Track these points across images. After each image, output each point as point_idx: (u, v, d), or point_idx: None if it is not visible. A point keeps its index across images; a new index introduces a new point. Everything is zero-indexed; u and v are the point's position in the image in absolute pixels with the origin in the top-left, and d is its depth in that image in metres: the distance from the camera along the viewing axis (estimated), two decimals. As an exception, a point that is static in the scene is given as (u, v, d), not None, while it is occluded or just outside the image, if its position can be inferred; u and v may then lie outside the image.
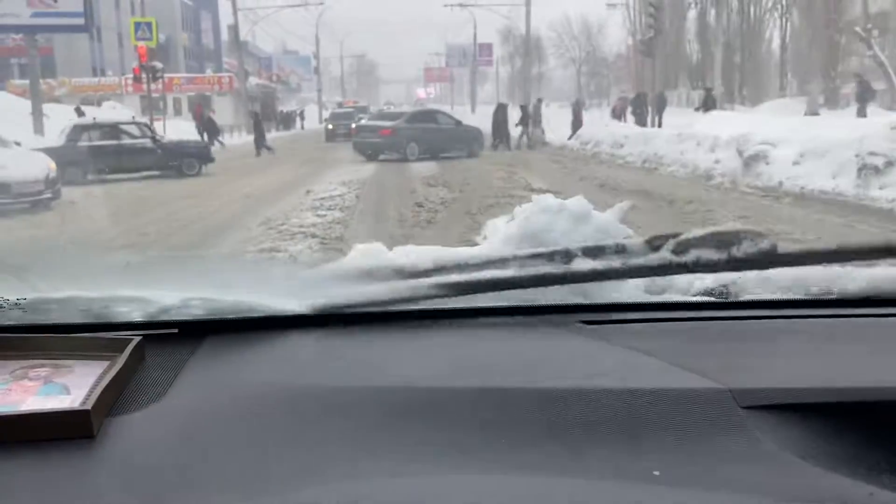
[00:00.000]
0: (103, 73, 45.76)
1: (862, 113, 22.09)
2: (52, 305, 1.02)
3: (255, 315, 1.04)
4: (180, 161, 16.97)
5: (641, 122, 24.56)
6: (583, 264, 1.01)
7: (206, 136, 22.97)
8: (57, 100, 33.37)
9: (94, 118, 18.91)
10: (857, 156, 10.21)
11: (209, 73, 52.17)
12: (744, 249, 0.99)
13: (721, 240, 1.01)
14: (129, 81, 37.28)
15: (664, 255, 1.01)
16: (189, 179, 16.05)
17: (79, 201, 11.95)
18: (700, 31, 48.00)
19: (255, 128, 24.68)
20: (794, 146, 11.78)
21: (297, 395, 0.84)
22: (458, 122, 22.40)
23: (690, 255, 1.01)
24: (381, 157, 20.16)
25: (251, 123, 25.36)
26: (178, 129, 24.81)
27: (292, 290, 1.13)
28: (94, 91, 40.72)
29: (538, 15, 61.93)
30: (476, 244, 1.28)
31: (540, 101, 27.56)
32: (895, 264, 1.07)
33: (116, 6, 49.01)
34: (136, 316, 1.02)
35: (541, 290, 1.08)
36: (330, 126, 34.60)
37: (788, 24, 46.37)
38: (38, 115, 22.05)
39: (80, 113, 23.58)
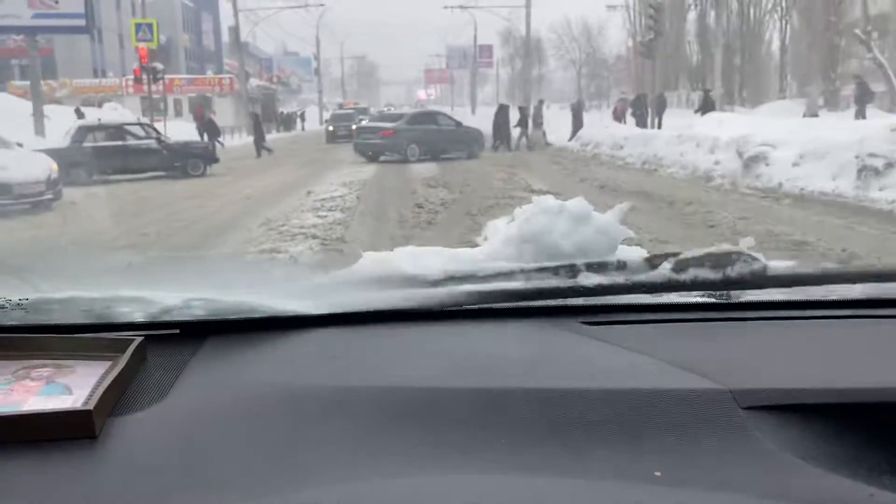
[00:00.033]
0: (104, 75, 45.80)
1: (861, 115, 22.08)
2: (54, 306, 1.03)
3: (257, 316, 1.04)
4: (185, 162, 17.00)
5: (642, 123, 24.54)
6: (586, 279, 1.08)
7: (206, 137, 22.98)
8: (58, 101, 33.39)
9: (100, 119, 18.96)
10: (856, 157, 10.21)
11: (210, 74, 52.18)
12: (737, 270, 1.06)
13: (717, 260, 1.08)
14: (130, 83, 37.32)
15: (663, 272, 1.07)
16: (194, 180, 16.05)
17: (81, 202, 11.95)
18: (700, 33, 48.02)
19: (255, 129, 24.68)
20: (793, 148, 11.78)
21: (298, 396, 0.84)
22: (459, 124, 22.40)
23: (689, 274, 1.08)
24: (382, 158, 20.17)
25: (251, 125, 25.33)
26: (179, 130, 24.80)
27: (294, 292, 1.13)
28: (94, 92, 40.75)
29: (538, 17, 61.89)
30: (476, 245, 1.28)
31: (542, 102, 27.56)
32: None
33: (117, 7, 49.04)
34: (138, 316, 1.02)
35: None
36: (330, 127, 34.63)
37: (788, 26, 46.39)
38: (38, 116, 22.05)
39: (79, 114, 23.60)
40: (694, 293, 1.17)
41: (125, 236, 8.13)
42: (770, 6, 47.31)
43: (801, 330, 1.09)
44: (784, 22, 46.71)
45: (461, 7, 54.00)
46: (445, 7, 54.71)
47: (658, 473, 0.72)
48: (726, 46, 39.19)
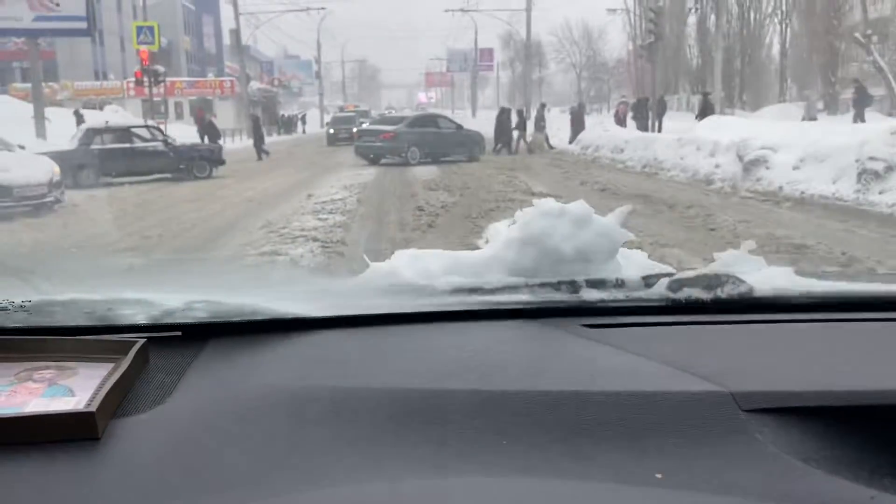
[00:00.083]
0: (105, 77, 45.84)
1: (859, 118, 22.07)
2: (56, 308, 1.03)
3: (259, 318, 1.04)
4: (192, 164, 17.05)
5: (643, 126, 24.51)
6: (587, 295, 1.12)
7: (206, 140, 23.04)
8: (59, 103, 33.44)
9: (107, 122, 19.04)
10: (857, 161, 10.22)
11: (211, 77, 52.22)
12: (727, 291, 1.13)
13: (708, 282, 1.14)
14: (131, 85, 37.35)
15: (660, 290, 1.13)
16: (196, 182, 16.06)
17: (84, 205, 11.96)
18: (700, 37, 48.07)
19: (254, 132, 24.68)
20: (794, 151, 11.79)
21: (300, 398, 0.85)
22: (460, 127, 22.42)
23: (683, 293, 1.13)
24: (383, 161, 20.18)
25: (251, 127, 25.37)
26: (180, 132, 24.86)
27: (296, 294, 1.14)
28: (96, 94, 40.81)
29: (539, 20, 62.10)
30: (478, 247, 1.29)
31: (544, 105, 27.55)
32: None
33: (118, 10, 49.10)
34: (140, 318, 1.02)
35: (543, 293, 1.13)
36: (331, 130, 34.67)
37: (788, 29, 46.47)
38: (39, 118, 22.09)
39: (78, 116, 23.63)
40: None
41: (126, 239, 8.13)
42: (770, 10, 47.40)
43: (803, 332, 1.09)
44: (784, 25, 46.79)
45: (462, 10, 54.06)
46: (446, 10, 54.77)
47: (659, 476, 0.72)
48: (726, 50, 39.23)
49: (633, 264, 1.22)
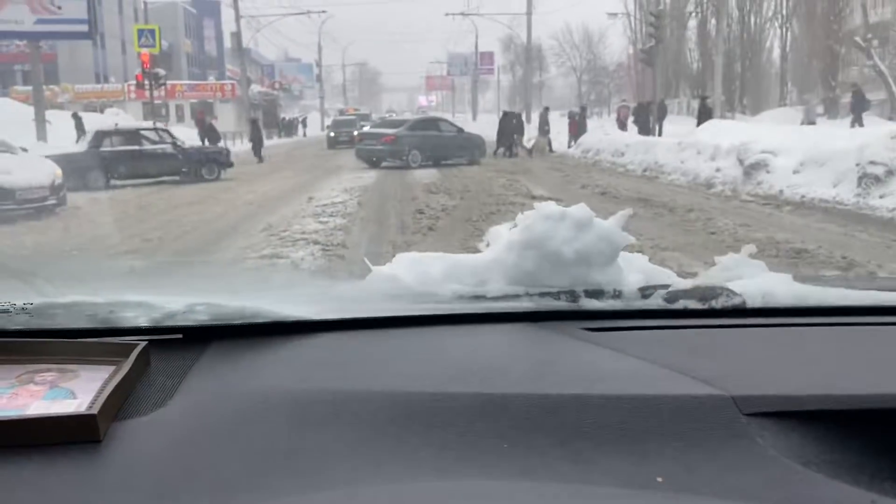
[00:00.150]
0: (106, 80, 45.91)
1: (857, 123, 22.04)
2: (58, 310, 1.03)
3: (260, 321, 1.04)
4: (200, 166, 17.13)
5: (644, 130, 24.49)
6: (586, 304, 1.14)
7: (206, 143, 23.08)
8: (60, 106, 33.50)
9: (116, 124, 19.19)
10: (857, 165, 10.22)
11: (212, 80, 52.32)
12: (721, 303, 1.14)
13: (703, 293, 1.15)
14: (132, 88, 37.47)
15: (657, 301, 1.15)
16: (198, 185, 16.09)
17: (86, 207, 11.97)
18: (701, 41, 48.11)
19: (253, 135, 24.69)
20: (794, 155, 11.80)
21: (301, 401, 0.85)
22: (460, 130, 22.44)
23: (679, 304, 1.14)
24: (384, 164, 20.20)
25: (250, 130, 25.41)
26: (181, 135, 24.91)
27: (297, 297, 1.14)
28: (97, 97, 40.88)
29: (539, 24, 62.01)
30: (478, 251, 1.29)
31: (547, 109, 27.58)
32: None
33: (120, 13, 49.19)
34: (142, 321, 1.02)
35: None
36: (332, 133, 34.70)
37: (789, 33, 46.52)
38: (40, 121, 22.14)
39: (77, 119, 23.69)
40: None
41: (128, 242, 8.13)
42: (771, 14, 47.47)
43: (803, 336, 1.10)
44: (784, 29, 46.84)
45: (462, 14, 54.18)
46: (447, 14, 54.90)
47: (659, 479, 0.72)
48: (727, 54, 39.28)
49: (633, 268, 1.22)
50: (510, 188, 13.45)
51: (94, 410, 0.77)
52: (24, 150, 12.74)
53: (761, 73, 48.99)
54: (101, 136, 16.57)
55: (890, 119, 24.99)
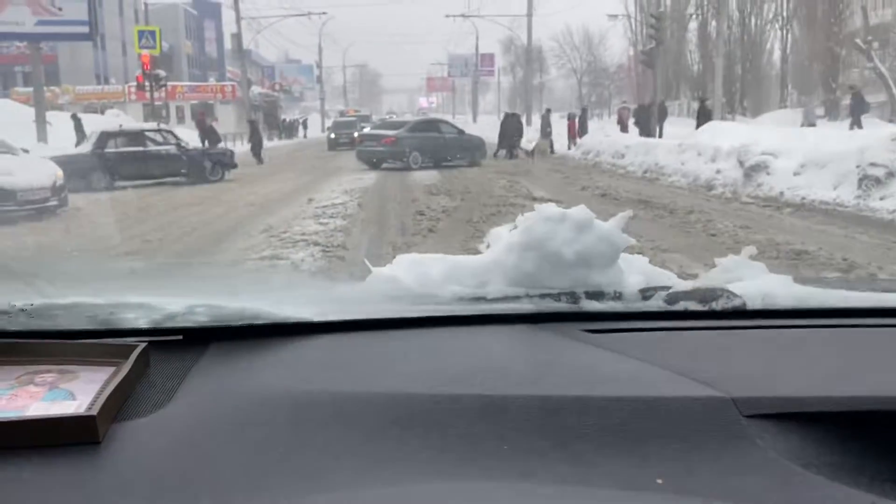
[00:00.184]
0: (107, 81, 45.95)
1: (856, 125, 21.99)
2: (58, 311, 1.03)
3: (260, 322, 1.04)
4: (204, 167, 17.17)
5: (645, 132, 24.44)
6: (587, 305, 1.14)
7: (206, 144, 23.10)
8: (60, 108, 33.53)
9: (121, 125, 19.28)
10: (857, 167, 10.23)
11: (212, 81, 52.35)
12: (721, 304, 1.15)
13: (703, 295, 1.16)
14: (133, 89, 37.49)
15: (657, 302, 1.15)
16: (199, 186, 16.11)
17: (87, 209, 11.97)
18: (701, 42, 48.14)
19: (252, 136, 24.67)
20: (795, 157, 11.80)
21: (300, 402, 0.85)
22: (461, 132, 22.46)
23: (679, 306, 1.15)
24: (384, 165, 20.21)
25: (249, 132, 25.42)
26: (181, 136, 24.94)
27: (297, 298, 1.14)
28: (97, 99, 40.91)
29: (540, 25, 62.11)
30: (479, 252, 1.29)
31: (549, 111, 27.59)
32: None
33: (120, 14, 49.24)
34: (142, 322, 1.02)
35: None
36: (332, 135, 34.72)
37: (789, 35, 46.55)
38: (41, 122, 22.15)
39: (76, 120, 23.73)
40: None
41: (128, 243, 8.13)
42: (771, 16, 47.50)
43: (804, 338, 1.09)
44: (785, 31, 46.87)
45: (463, 16, 54.22)
46: (447, 16, 54.96)
47: (659, 481, 0.72)
48: (727, 56, 39.29)
49: (634, 269, 1.22)
50: (510, 190, 13.45)
51: (94, 412, 0.77)
52: (26, 151, 12.74)
53: (762, 75, 49.00)
54: (105, 137, 16.63)
55: (890, 121, 25.01)
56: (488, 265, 1.20)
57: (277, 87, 63.47)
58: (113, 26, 46.56)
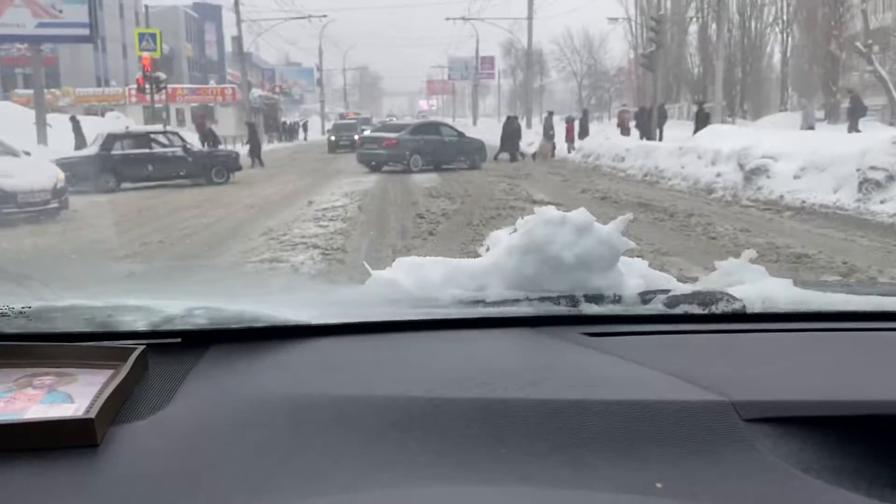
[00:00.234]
0: (107, 84, 46.01)
1: (853, 128, 21.96)
2: (56, 314, 1.03)
3: (259, 325, 1.04)
4: (210, 169, 17.24)
5: (646, 134, 24.42)
6: (586, 308, 1.14)
7: (206, 146, 23.15)
8: (61, 110, 33.55)
9: (127, 127, 19.36)
10: (858, 170, 10.23)
11: (212, 84, 52.39)
12: (721, 308, 1.15)
13: (703, 298, 1.16)
14: (133, 92, 37.50)
15: (657, 306, 1.15)
16: (198, 188, 16.16)
17: (88, 211, 11.98)
18: (701, 46, 48.22)
19: (251, 138, 24.68)
20: (795, 160, 11.81)
21: (299, 405, 0.84)
22: (461, 134, 22.48)
23: (679, 309, 1.15)
24: (385, 168, 20.23)
25: (247, 134, 25.41)
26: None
27: (296, 301, 1.14)
28: (97, 101, 40.94)
29: (540, 29, 62.16)
30: (478, 255, 1.29)
31: (551, 114, 27.58)
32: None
33: (121, 17, 49.32)
34: (140, 325, 1.02)
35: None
36: (332, 137, 34.80)
37: (789, 38, 46.65)
38: (41, 124, 22.15)
39: (75, 122, 23.80)
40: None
41: (129, 245, 8.13)
42: (771, 19, 47.59)
43: (803, 342, 1.09)
44: (785, 35, 46.97)
45: (463, 19, 54.26)
46: (447, 19, 55.04)
47: (659, 485, 0.72)
48: (727, 59, 39.35)
49: (633, 273, 1.22)
50: (511, 193, 13.46)
51: (92, 414, 0.77)
52: (27, 153, 12.73)
53: (762, 78, 49.09)
54: (111, 139, 16.75)
55: (891, 124, 25.03)
56: (488, 268, 1.20)
57: (278, 89, 63.50)
58: (113, 29, 46.64)
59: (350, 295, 1.20)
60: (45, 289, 1.10)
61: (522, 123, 27.94)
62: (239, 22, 43.11)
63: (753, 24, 47.70)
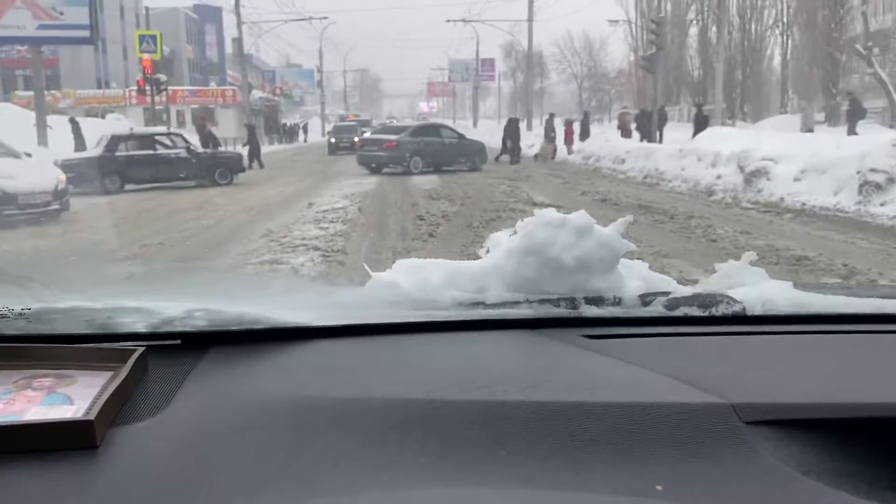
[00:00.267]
0: (108, 85, 46.07)
1: (852, 131, 21.95)
2: (56, 316, 1.03)
3: (259, 327, 1.04)
4: (214, 171, 17.30)
5: (647, 136, 24.42)
6: (586, 311, 1.14)
7: (207, 148, 23.16)
8: (61, 111, 33.57)
9: (132, 129, 19.44)
10: (858, 172, 10.23)
11: (213, 85, 52.44)
12: (721, 310, 1.15)
13: (703, 300, 1.16)
14: (134, 93, 37.55)
15: (657, 308, 1.15)
16: (200, 190, 16.18)
17: (89, 213, 11.98)
18: (701, 48, 48.27)
19: (250, 140, 24.69)
20: (795, 162, 11.81)
21: (299, 407, 0.84)
22: (462, 136, 22.50)
23: (679, 311, 1.15)
24: (385, 170, 20.24)
25: (246, 136, 25.42)
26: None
27: (296, 303, 1.14)
28: (98, 103, 41.00)
29: (540, 31, 62.33)
30: (479, 257, 1.29)
31: (552, 116, 27.60)
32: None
33: (121, 19, 49.38)
34: (140, 327, 1.02)
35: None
36: (333, 139, 34.84)
37: (790, 41, 46.69)
38: (41, 126, 22.14)
39: (74, 124, 23.87)
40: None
41: (129, 247, 8.13)
42: (771, 21, 47.64)
43: (804, 344, 1.09)
44: (785, 37, 47.02)
45: (464, 21, 54.27)
46: (448, 21, 55.01)
47: (659, 488, 0.71)
48: (728, 61, 39.38)
49: (634, 275, 1.22)
50: (511, 195, 13.46)
51: (91, 416, 0.77)
52: (29, 155, 12.73)
53: (762, 80, 49.13)
54: (116, 140, 16.82)
55: (891, 126, 25.03)
56: (488, 270, 1.20)
57: (278, 91, 63.57)
58: (114, 30, 46.69)
59: (350, 297, 1.20)
60: (45, 290, 1.10)
61: (523, 126, 27.93)
62: (239, 24, 43.15)
63: (754, 26, 47.77)
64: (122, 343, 0.99)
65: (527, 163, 23.00)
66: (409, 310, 1.12)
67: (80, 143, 22.28)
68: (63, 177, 11.52)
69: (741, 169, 12.69)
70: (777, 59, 49.22)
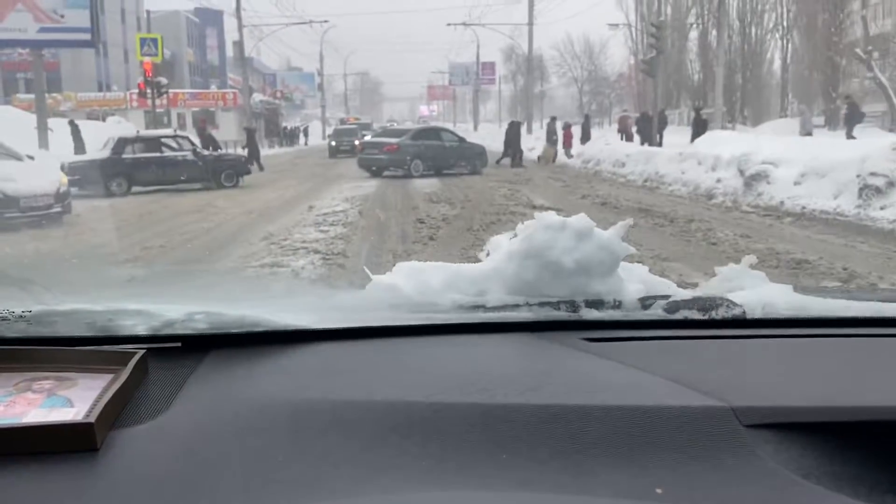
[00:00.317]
0: (108, 88, 46.12)
1: (850, 134, 21.94)
2: (56, 318, 1.03)
3: (259, 329, 1.04)
4: (220, 173, 17.37)
5: (647, 140, 24.42)
6: (586, 314, 1.14)
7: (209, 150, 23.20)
8: (62, 114, 33.56)
9: (138, 131, 19.54)
10: (858, 176, 10.24)
11: (214, 88, 52.47)
12: (721, 313, 1.15)
13: (703, 304, 1.16)
14: (135, 96, 37.58)
15: (657, 311, 1.15)
16: (199, 192, 16.21)
17: (91, 215, 11.98)
18: (702, 52, 48.31)
19: (249, 143, 24.71)
20: (795, 166, 11.81)
21: (299, 410, 0.84)
22: (462, 140, 22.51)
23: (679, 315, 1.15)
24: (386, 173, 20.25)
25: (245, 139, 25.46)
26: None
27: (296, 306, 1.14)
28: (99, 106, 41.05)
29: (541, 34, 62.22)
30: (479, 260, 1.29)
31: (554, 119, 27.63)
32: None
33: (122, 22, 49.45)
34: (140, 329, 1.02)
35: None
36: (333, 142, 34.87)
37: (790, 45, 46.73)
38: (42, 129, 22.15)
39: (73, 126, 23.96)
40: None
41: (130, 249, 8.14)
42: (772, 25, 47.70)
43: (804, 348, 1.09)
44: (785, 41, 47.07)
45: (464, 24, 54.33)
46: (449, 24, 55.04)
47: (659, 491, 0.71)
48: (728, 65, 39.42)
49: (633, 278, 1.22)
50: (511, 198, 13.46)
51: (92, 419, 0.77)
52: (31, 157, 12.72)
53: (762, 84, 49.19)
54: (122, 143, 16.88)
55: (890, 130, 25.05)
56: (488, 273, 1.20)
57: (279, 94, 63.63)
58: (115, 34, 46.75)
59: (350, 300, 1.20)
60: (46, 293, 1.10)
61: (523, 129, 27.96)
62: (240, 27, 43.20)
63: (754, 30, 47.83)
64: (122, 346, 0.99)
65: (527, 166, 23.02)
66: (410, 313, 1.12)
67: (79, 146, 22.31)
68: (65, 179, 11.52)
69: (741, 172, 12.69)
70: (777, 63, 49.31)
